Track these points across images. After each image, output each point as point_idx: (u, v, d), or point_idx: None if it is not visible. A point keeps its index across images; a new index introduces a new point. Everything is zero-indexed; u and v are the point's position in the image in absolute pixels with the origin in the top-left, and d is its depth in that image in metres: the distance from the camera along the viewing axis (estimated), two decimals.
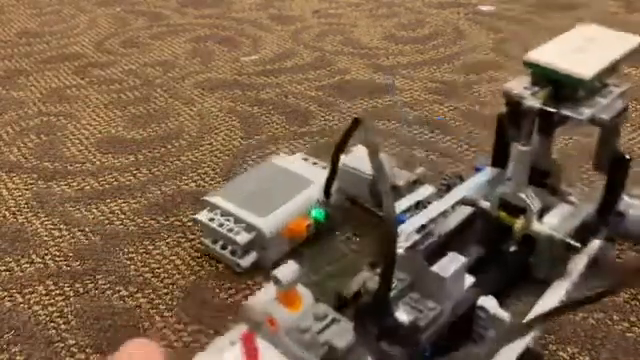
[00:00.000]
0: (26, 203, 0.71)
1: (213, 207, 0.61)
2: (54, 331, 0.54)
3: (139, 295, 0.58)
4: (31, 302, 0.57)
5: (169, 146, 0.82)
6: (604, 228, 0.55)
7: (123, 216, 0.68)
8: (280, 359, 0.35)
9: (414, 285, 0.44)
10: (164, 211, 0.69)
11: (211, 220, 0.59)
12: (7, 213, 0.70)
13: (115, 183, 0.74)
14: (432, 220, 0.54)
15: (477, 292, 0.47)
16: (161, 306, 0.56)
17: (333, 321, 0.36)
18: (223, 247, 0.59)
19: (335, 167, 0.59)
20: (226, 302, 0.56)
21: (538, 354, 0.51)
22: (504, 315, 0.46)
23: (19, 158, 0.80)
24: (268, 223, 0.58)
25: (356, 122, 0.50)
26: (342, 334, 0.35)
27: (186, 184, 0.73)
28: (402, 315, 0.36)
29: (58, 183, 0.75)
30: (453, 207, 0.56)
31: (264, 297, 0.38)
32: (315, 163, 0.67)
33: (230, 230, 0.58)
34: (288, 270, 0.36)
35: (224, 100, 0.94)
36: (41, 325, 0.55)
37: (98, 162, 0.79)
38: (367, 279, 0.43)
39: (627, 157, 0.53)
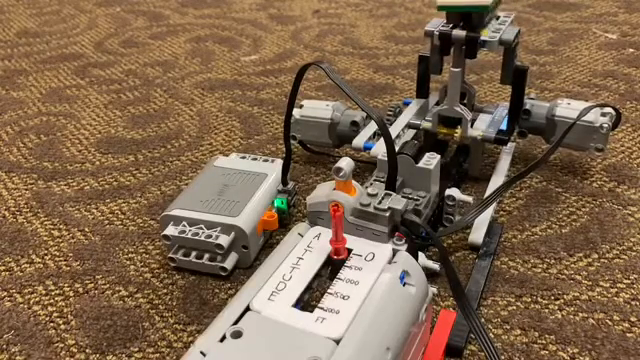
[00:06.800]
0: (26, 203, 0.71)
1: (177, 220, 0.59)
2: (54, 331, 0.54)
3: (139, 295, 0.57)
4: (31, 302, 0.57)
5: (169, 146, 0.82)
6: (516, 125, 0.70)
7: (123, 216, 0.68)
8: (350, 237, 0.42)
9: (405, 183, 0.60)
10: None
11: (182, 232, 0.58)
12: (7, 213, 0.70)
13: (115, 183, 0.74)
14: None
15: (445, 183, 0.62)
16: (161, 306, 0.56)
17: (385, 195, 0.43)
18: (199, 257, 0.58)
19: (288, 131, 0.61)
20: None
21: (500, 224, 0.64)
22: (469, 198, 0.60)
23: (19, 158, 0.80)
24: (244, 221, 0.58)
25: (306, 67, 0.53)
26: (397, 201, 0.43)
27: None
28: (403, 203, 0.43)
29: (58, 183, 0.75)
30: (403, 130, 0.69)
31: (322, 192, 0.44)
32: (255, 159, 0.68)
33: (208, 236, 0.57)
34: (346, 162, 0.42)
35: (224, 100, 0.94)
36: (41, 325, 0.55)
37: (98, 162, 0.79)
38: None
39: (526, 67, 0.66)
